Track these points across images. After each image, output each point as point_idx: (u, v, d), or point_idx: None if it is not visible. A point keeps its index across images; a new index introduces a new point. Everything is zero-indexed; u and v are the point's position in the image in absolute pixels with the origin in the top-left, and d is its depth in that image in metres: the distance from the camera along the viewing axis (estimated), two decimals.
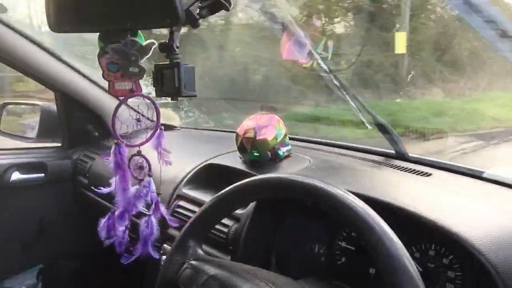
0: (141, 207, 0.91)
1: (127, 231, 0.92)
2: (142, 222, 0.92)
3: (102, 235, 0.91)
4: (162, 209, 0.93)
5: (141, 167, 0.90)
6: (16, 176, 1.65)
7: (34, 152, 1.80)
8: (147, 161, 0.90)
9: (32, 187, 1.72)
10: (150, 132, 0.88)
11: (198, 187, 1.25)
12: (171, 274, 0.69)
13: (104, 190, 0.90)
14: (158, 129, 0.87)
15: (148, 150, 0.89)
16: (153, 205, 0.92)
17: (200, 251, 0.70)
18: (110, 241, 0.92)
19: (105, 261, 1.80)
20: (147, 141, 0.87)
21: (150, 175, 0.91)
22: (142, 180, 0.90)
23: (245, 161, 1.22)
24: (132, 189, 0.90)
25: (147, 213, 0.92)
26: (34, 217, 1.76)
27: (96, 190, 0.92)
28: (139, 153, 0.89)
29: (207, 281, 0.63)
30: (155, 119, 0.87)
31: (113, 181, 0.88)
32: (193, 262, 0.67)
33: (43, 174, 1.73)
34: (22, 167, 1.68)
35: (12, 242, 1.70)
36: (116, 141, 0.85)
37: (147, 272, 1.28)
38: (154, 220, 0.92)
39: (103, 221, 0.91)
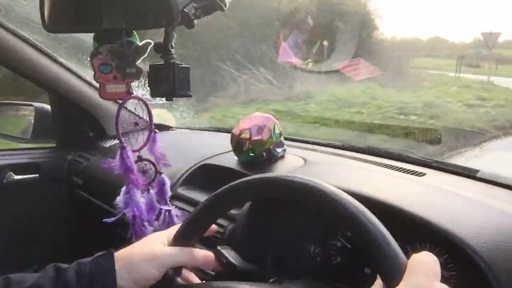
0: (161, 206, 0.91)
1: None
2: (164, 219, 0.91)
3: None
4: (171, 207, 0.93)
5: (143, 171, 0.90)
6: (10, 176, 1.64)
7: (28, 153, 1.79)
8: (151, 161, 0.90)
9: (26, 187, 1.71)
10: (145, 135, 0.87)
11: (193, 187, 1.25)
12: None
13: (117, 217, 0.88)
14: (153, 133, 0.87)
15: (144, 151, 0.89)
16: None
17: (179, 279, 0.69)
18: None
19: None
20: (145, 145, 0.87)
21: (160, 173, 0.91)
22: (150, 183, 0.90)
23: (240, 161, 1.22)
24: (143, 197, 0.90)
25: (167, 208, 0.92)
26: (29, 217, 1.75)
27: (107, 221, 0.90)
28: (140, 158, 0.89)
29: None
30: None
31: (121, 197, 0.87)
32: None
33: (38, 175, 1.73)
34: (16, 168, 1.67)
35: (7, 242, 1.69)
36: (121, 145, 0.84)
37: None
38: (174, 213, 0.92)
39: (130, 232, 0.89)
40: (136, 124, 0.86)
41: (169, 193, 0.92)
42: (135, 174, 0.85)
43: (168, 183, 0.92)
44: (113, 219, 0.88)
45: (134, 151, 0.86)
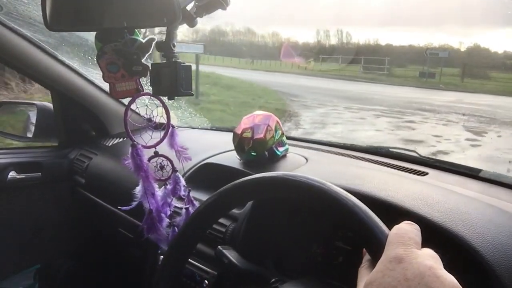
0: (175, 203, 0.93)
1: (173, 228, 0.93)
2: (182, 216, 0.93)
3: (147, 235, 0.91)
4: (196, 202, 0.94)
5: (161, 167, 0.90)
6: (12, 175, 1.64)
7: (31, 152, 1.79)
8: (168, 158, 0.90)
9: (28, 186, 1.71)
10: (162, 132, 0.87)
11: (195, 186, 1.24)
12: None
13: (133, 205, 0.89)
14: (171, 128, 0.87)
15: (161, 149, 0.89)
16: (186, 198, 0.94)
17: None
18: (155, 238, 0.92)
19: (102, 261, 1.80)
20: (161, 140, 0.87)
21: (176, 170, 0.91)
22: (166, 179, 0.91)
23: (242, 160, 1.22)
24: (160, 191, 0.90)
25: (183, 206, 0.93)
26: (31, 216, 1.75)
27: (122, 208, 0.91)
28: (156, 154, 0.89)
29: None
30: (156, 119, 0.87)
31: (139, 187, 0.87)
32: None
33: (40, 174, 1.72)
34: (19, 167, 1.67)
35: (9, 242, 1.69)
36: (131, 143, 0.84)
37: (144, 272, 1.28)
38: (191, 211, 0.93)
39: (143, 223, 0.90)
40: (149, 120, 0.86)
41: (182, 192, 0.92)
42: (146, 172, 0.85)
43: (182, 182, 0.93)
44: (129, 207, 0.88)
45: (149, 147, 0.86)
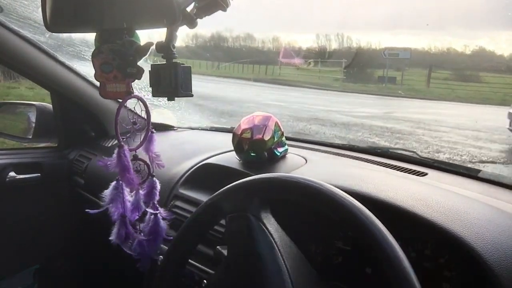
0: (147, 208, 0.92)
1: (139, 233, 0.92)
2: (149, 221, 0.92)
3: (117, 241, 0.89)
4: (161, 210, 0.93)
5: (137, 171, 0.90)
6: (12, 176, 1.64)
7: (30, 152, 1.79)
8: (146, 162, 0.90)
9: (28, 187, 1.71)
10: (143, 135, 0.88)
11: (194, 187, 1.24)
12: None
13: (102, 207, 0.88)
14: (149, 133, 0.87)
15: (142, 152, 0.89)
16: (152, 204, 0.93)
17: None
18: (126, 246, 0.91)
19: (102, 261, 1.80)
20: (141, 144, 0.87)
21: (153, 175, 0.91)
22: (141, 183, 0.90)
23: (242, 161, 1.22)
24: (139, 193, 0.90)
25: (153, 212, 0.92)
26: (30, 217, 1.75)
27: (90, 212, 0.90)
28: (135, 158, 0.89)
29: None
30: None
31: (109, 191, 0.86)
32: None
33: (39, 174, 1.73)
34: (18, 167, 1.67)
35: (8, 242, 1.69)
36: (119, 144, 0.84)
37: (143, 272, 1.28)
38: (160, 217, 0.92)
39: (114, 230, 0.89)
40: (134, 123, 0.86)
41: (157, 197, 0.92)
42: (131, 174, 0.85)
43: (158, 187, 0.92)
44: (96, 211, 0.87)
45: (132, 149, 0.86)
